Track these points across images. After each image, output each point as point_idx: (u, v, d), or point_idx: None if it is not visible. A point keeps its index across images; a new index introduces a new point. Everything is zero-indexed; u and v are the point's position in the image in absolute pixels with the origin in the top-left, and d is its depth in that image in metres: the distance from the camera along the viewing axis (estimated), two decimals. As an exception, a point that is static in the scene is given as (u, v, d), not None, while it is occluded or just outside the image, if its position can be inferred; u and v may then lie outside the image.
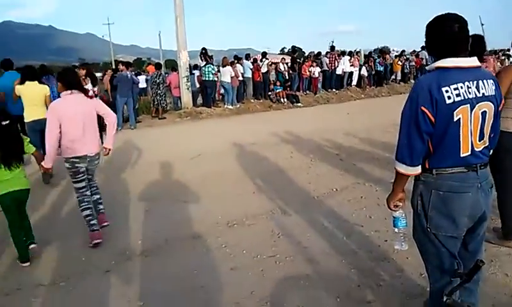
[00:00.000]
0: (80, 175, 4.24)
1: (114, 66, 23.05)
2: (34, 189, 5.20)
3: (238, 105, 15.00)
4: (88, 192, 4.37)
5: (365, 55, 21.12)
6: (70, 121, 4.09)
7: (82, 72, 8.74)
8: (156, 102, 13.10)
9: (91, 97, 4.38)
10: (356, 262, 3.52)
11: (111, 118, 4.45)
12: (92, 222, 4.24)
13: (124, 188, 6.16)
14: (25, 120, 6.40)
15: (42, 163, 4.19)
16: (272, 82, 16.33)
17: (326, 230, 4.24)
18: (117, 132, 6.67)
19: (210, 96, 14.59)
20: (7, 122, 3.69)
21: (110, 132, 4.48)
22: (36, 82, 6.58)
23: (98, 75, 20.23)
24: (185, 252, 3.97)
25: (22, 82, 6.47)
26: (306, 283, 3.25)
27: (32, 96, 6.42)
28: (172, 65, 17.62)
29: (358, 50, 21.22)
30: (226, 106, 14.67)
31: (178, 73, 14.39)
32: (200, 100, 15.37)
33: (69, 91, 4.18)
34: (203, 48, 15.17)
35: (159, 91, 12.95)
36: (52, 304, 3.24)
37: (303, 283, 3.24)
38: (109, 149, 4.55)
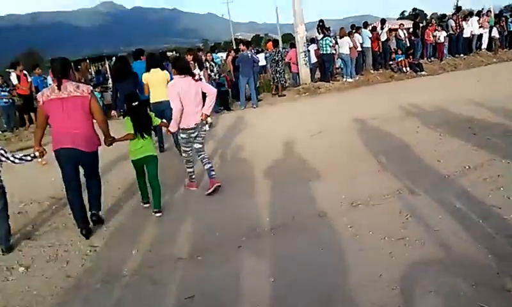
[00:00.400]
0: (189, 144, 5.43)
1: (234, 45, 23.96)
2: (168, 169, 5.85)
3: (357, 78, 14.63)
4: (191, 153, 5.50)
5: (495, 15, 18.97)
6: (184, 97, 5.16)
7: (189, 58, 9.41)
8: (276, 80, 13.33)
9: (196, 80, 5.42)
10: (494, 247, 3.30)
11: (211, 92, 5.44)
12: (193, 176, 5.66)
13: (249, 166, 6.49)
14: (151, 101, 7.29)
15: (169, 128, 5.41)
16: (393, 50, 15.57)
17: (458, 212, 4.02)
18: (240, 110, 7.52)
19: (328, 70, 14.43)
20: (136, 103, 4.86)
21: (208, 102, 5.36)
22: (159, 69, 7.41)
23: (221, 55, 21.24)
24: (312, 231, 4.09)
25: (147, 70, 7.38)
26: (439, 267, 3.15)
27: (156, 82, 7.31)
28: (289, 39, 17.78)
29: (487, 8, 19.14)
30: (345, 79, 14.39)
31: (296, 49, 14.47)
32: (318, 74, 15.31)
33: (182, 75, 5.25)
34: (320, 21, 14.98)
35: (278, 69, 13.13)
36: (192, 276, 3.61)
37: (435, 268, 3.15)
38: (206, 115, 5.45)
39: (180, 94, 5.11)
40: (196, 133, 5.37)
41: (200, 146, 5.50)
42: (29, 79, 12.33)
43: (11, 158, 4.39)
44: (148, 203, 5.14)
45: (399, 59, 15.26)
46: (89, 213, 4.64)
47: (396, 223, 3.97)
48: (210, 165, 5.46)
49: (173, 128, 5.32)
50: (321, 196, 4.89)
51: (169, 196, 5.55)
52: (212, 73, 11.36)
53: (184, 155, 5.57)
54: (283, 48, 23.60)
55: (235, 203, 5.04)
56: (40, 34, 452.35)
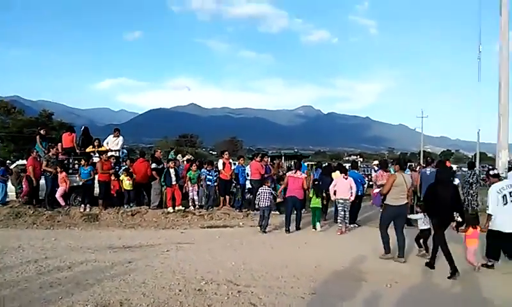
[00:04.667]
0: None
1: (422, 157, 23.87)
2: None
3: None
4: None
5: None
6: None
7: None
8: (466, 202, 12.39)
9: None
10: None
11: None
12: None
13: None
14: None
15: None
16: None
17: None
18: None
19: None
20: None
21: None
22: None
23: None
24: None
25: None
26: None
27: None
28: (482, 159, 16.67)
29: None
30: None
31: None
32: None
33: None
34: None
35: (471, 191, 12.30)
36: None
37: None
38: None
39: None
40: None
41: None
42: (233, 167, 13.97)
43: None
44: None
45: None
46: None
47: None
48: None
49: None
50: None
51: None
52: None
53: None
54: (482, 166, 22.00)
55: None
56: (244, 125, 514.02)
